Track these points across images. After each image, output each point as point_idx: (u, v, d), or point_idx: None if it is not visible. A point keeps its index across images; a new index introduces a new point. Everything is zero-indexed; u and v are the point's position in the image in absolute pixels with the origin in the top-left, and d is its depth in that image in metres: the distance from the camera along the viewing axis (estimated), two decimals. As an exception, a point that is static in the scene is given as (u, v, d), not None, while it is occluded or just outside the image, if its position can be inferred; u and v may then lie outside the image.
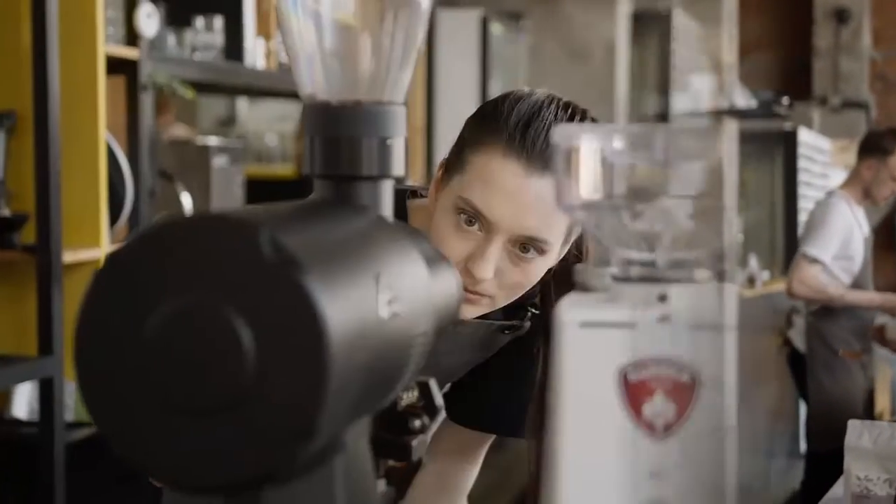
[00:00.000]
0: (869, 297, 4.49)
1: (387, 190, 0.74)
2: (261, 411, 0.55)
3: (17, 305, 2.56)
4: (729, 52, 8.57)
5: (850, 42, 9.47)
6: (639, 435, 0.61)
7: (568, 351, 0.62)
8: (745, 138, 6.28)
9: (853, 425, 1.81)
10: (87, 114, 2.55)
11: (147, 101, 2.78)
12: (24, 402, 2.73)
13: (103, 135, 2.58)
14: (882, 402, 5.05)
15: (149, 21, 2.73)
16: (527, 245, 1.23)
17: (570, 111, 1.26)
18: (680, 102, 7.19)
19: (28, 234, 2.50)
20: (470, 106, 1.37)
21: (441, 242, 1.23)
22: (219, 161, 3.41)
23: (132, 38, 2.77)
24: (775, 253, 7.10)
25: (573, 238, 1.30)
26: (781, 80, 7.69)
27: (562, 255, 1.31)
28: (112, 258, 0.57)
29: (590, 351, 0.61)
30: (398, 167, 0.74)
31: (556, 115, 1.25)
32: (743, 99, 6.53)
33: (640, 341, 0.61)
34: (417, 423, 0.80)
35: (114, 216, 2.72)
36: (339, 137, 0.72)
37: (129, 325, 0.56)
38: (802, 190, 7.04)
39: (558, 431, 0.62)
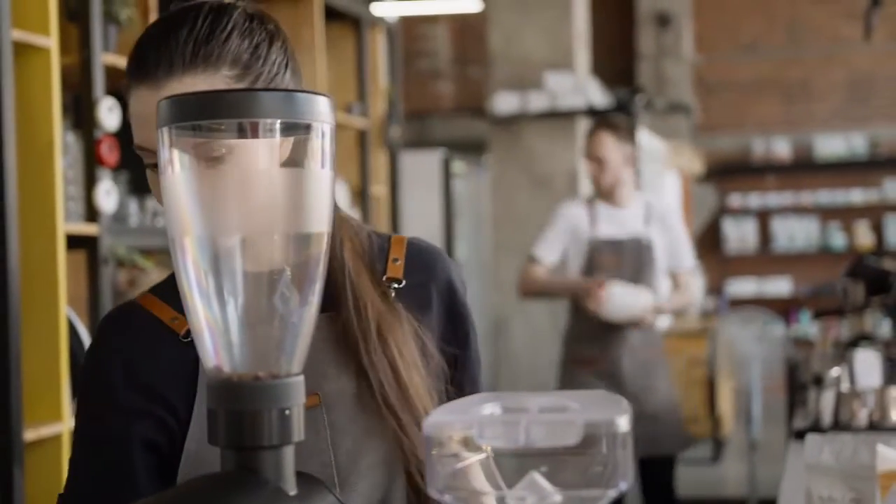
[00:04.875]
0: (565, 280, 4.27)
1: (288, 455, 0.80)
2: None
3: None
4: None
5: (673, 46, 9.74)
6: None
7: None
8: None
9: (812, 439, 1.61)
10: (48, 292, 2.59)
11: (107, 274, 2.84)
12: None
13: (63, 311, 2.62)
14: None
15: (108, 197, 2.80)
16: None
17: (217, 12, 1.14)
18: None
19: (-12, 414, 2.51)
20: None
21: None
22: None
23: (92, 212, 2.83)
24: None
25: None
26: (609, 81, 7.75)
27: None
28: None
29: None
30: (298, 432, 0.80)
31: (197, 19, 1.13)
32: (598, 95, 6.47)
33: None
34: None
35: (75, 389, 2.75)
36: (241, 411, 0.78)
37: None
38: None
39: None
